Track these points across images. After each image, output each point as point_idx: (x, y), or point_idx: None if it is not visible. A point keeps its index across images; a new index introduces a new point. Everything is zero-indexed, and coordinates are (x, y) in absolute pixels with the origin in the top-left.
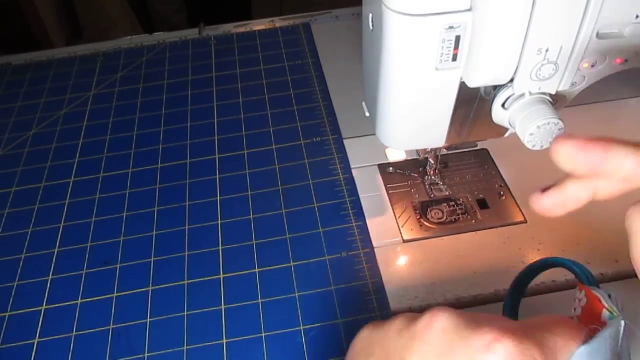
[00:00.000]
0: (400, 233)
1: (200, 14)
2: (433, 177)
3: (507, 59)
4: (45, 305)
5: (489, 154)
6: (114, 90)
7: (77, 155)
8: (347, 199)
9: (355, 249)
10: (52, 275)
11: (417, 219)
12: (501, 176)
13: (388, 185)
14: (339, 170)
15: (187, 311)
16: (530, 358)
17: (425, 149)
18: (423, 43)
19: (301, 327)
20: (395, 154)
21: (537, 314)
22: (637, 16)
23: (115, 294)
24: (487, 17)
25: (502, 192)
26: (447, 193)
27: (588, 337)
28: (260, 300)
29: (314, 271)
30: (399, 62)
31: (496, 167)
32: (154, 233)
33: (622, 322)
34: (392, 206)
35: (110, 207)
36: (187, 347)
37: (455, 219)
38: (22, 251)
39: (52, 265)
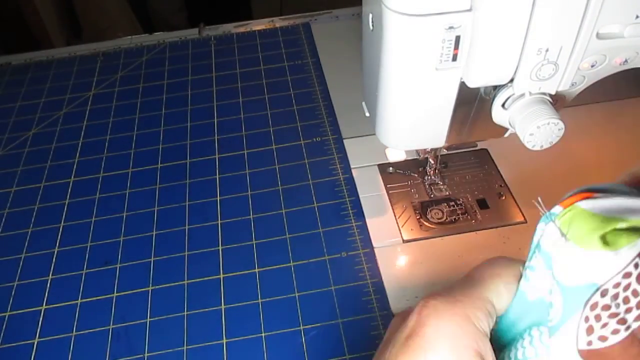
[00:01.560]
0: (400, 233)
1: (200, 14)
2: (433, 177)
3: (507, 59)
4: (45, 305)
5: (489, 154)
6: (114, 90)
7: (77, 155)
8: (347, 199)
9: (355, 249)
10: (52, 275)
11: (417, 219)
12: (501, 176)
13: (388, 185)
14: (339, 170)
15: (187, 311)
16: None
17: (425, 149)
18: (423, 43)
19: (301, 327)
20: (395, 154)
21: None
22: (637, 16)
23: (115, 294)
24: (487, 17)
25: (502, 192)
26: (447, 193)
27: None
28: (260, 300)
29: (314, 271)
30: (399, 62)
31: (496, 167)
32: (154, 233)
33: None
34: (392, 206)
35: (110, 207)
36: (187, 347)
37: (455, 219)
38: (22, 251)
39: (52, 265)
